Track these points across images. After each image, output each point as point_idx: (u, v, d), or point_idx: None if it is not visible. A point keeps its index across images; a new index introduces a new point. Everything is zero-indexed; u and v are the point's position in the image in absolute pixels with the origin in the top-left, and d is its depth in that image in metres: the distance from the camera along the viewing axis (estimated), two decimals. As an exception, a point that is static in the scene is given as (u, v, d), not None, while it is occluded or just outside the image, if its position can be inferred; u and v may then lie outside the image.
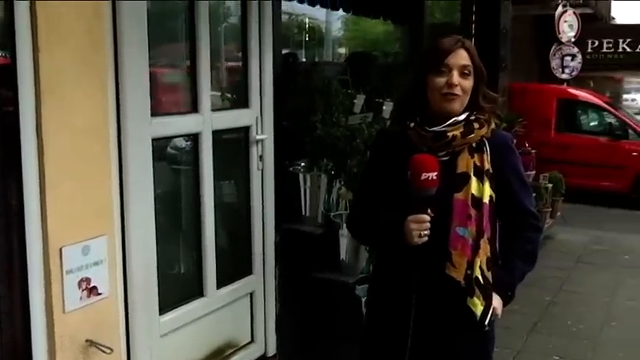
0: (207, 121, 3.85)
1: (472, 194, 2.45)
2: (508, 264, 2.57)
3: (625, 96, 22.99)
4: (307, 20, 7.82)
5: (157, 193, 3.51)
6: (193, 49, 3.79)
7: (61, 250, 2.82)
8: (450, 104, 2.47)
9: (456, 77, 2.45)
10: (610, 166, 11.72)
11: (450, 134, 2.47)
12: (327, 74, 5.21)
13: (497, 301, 2.49)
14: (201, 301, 3.95)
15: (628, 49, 15.55)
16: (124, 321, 3.34)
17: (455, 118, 2.49)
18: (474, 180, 2.47)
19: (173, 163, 4.03)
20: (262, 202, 4.34)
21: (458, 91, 2.46)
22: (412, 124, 2.53)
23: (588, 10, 14.81)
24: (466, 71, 2.48)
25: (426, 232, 2.39)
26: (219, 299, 4.07)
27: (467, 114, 2.51)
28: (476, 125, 2.51)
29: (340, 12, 6.68)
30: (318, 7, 5.63)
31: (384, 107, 5.48)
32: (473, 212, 2.44)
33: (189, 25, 3.77)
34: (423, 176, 2.35)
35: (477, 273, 2.44)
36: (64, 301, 2.86)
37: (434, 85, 2.48)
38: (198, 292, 3.96)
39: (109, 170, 3.10)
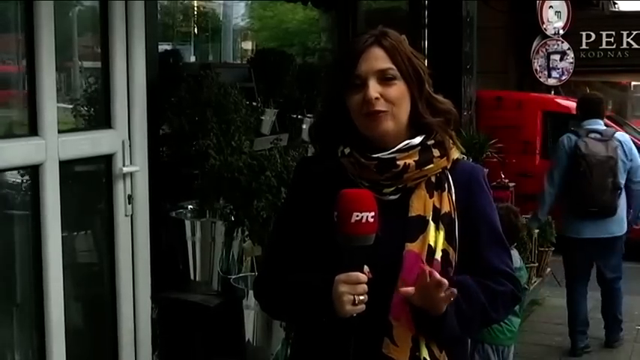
0: (52, 147, 3.81)
1: (429, 246, 2.47)
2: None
3: None
4: (197, 4, 7.85)
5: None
6: (31, 44, 3.74)
7: None
8: (377, 125, 2.48)
9: (373, 89, 2.46)
10: (615, 203, 11.95)
11: (400, 162, 2.49)
12: (225, 80, 5.20)
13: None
14: (44, 407, 3.86)
15: (634, 45, 15.96)
16: None
17: (408, 141, 2.50)
18: (432, 227, 2.49)
19: (3, 207, 3.97)
20: (132, 261, 4.30)
21: (381, 105, 2.47)
22: (347, 150, 2.54)
23: (581, -8, 15.28)
24: (388, 75, 2.49)
25: (362, 297, 2.37)
26: (72, 403, 3.99)
27: (422, 137, 2.53)
28: (436, 153, 2.53)
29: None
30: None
31: (303, 126, 5.51)
32: (427, 271, 2.46)
33: (25, 8, 3.72)
34: (355, 217, 2.34)
35: (425, 354, 2.45)
36: None
37: (351, 106, 2.50)
38: (40, 393, 3.87)
39: None
